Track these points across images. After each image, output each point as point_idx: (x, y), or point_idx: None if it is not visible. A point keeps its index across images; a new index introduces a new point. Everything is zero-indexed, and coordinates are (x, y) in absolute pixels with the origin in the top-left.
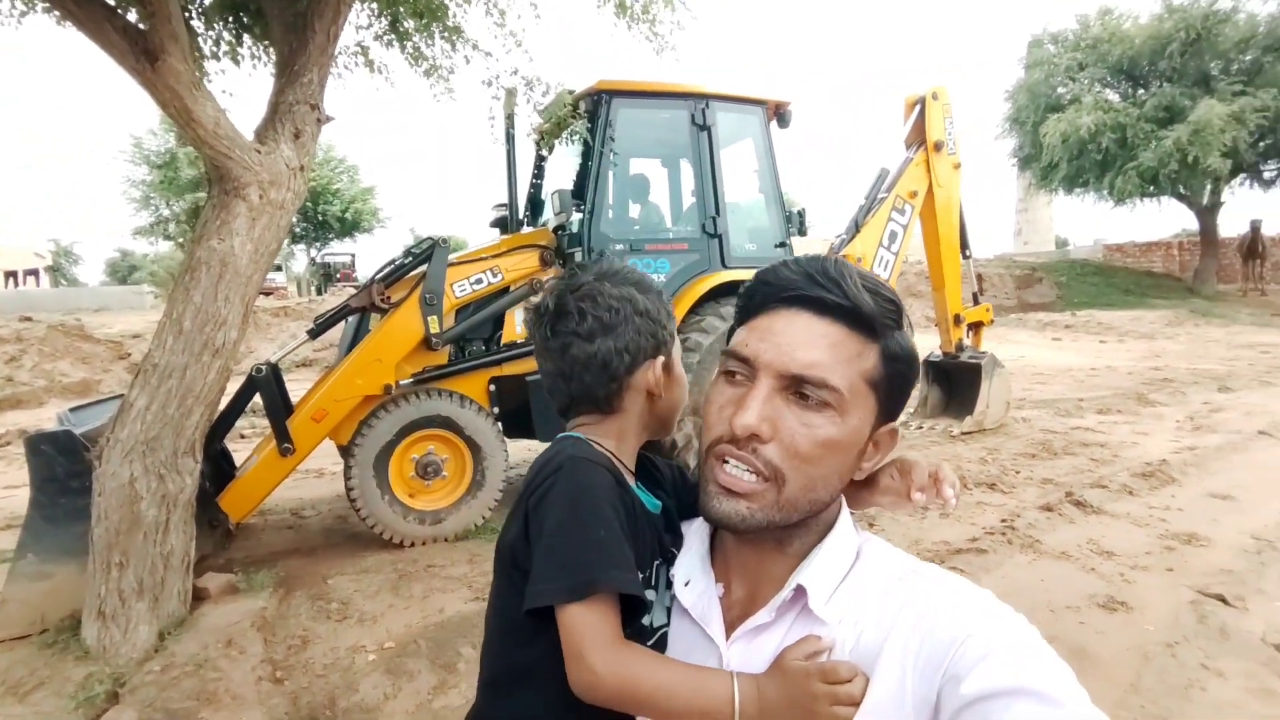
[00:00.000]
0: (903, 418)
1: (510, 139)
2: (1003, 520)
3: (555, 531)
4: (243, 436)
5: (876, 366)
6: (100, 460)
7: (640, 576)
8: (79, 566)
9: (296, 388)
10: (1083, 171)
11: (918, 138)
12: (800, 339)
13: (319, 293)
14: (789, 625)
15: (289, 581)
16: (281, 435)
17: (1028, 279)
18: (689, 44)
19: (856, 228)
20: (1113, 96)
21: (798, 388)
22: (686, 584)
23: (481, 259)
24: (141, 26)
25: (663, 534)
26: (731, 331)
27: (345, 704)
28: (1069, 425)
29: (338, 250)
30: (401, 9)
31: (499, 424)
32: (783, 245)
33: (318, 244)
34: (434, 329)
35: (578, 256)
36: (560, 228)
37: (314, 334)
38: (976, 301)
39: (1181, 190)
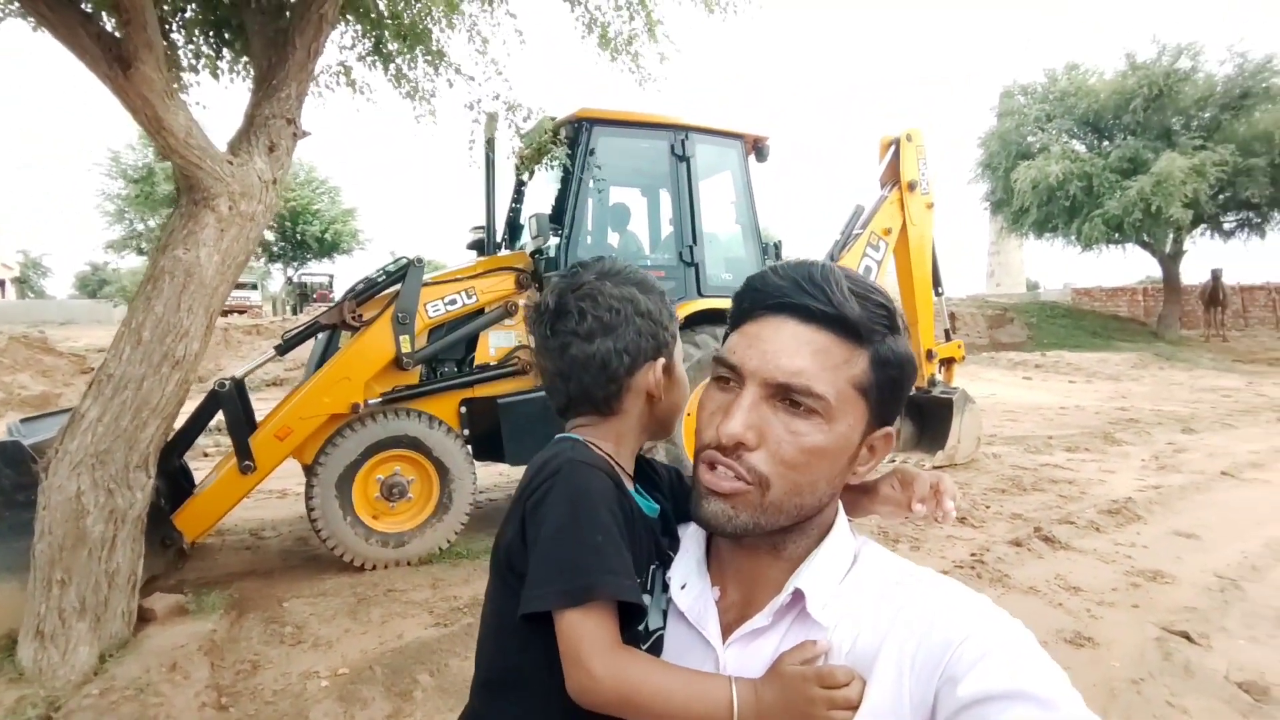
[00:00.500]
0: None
1: (490, 163)
2: (972, 554)
3: (552, 536)
4: (205, 455)
5: (866, 372)
6: (47, 473)
7: (637, 581)
8: (20, 584)
9: (267, 406)
10: (1052, 217)
11: (892, 177)
12: (785, 346)
13: (294, 312)
14: (786, 629)
15: (242, 604)
16: (243, 452)
17: (1000, 319)
18: (670, 62)
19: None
20: (1079, 147)
21: (784, 395)
22: (683, 587)
23: (456, 280)
24: (116, 34)
25: (659, 538)
26: (726, 337)
27: None
28: (1038, 462)
29: (315, 270)
30: (385, 31)
31: (469, 446)
32: None
33: (295, 263)
34: (405, 348)
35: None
36: (537, 251)
37: (282, 350)
38: (949, 338)
39: (1145, 238)
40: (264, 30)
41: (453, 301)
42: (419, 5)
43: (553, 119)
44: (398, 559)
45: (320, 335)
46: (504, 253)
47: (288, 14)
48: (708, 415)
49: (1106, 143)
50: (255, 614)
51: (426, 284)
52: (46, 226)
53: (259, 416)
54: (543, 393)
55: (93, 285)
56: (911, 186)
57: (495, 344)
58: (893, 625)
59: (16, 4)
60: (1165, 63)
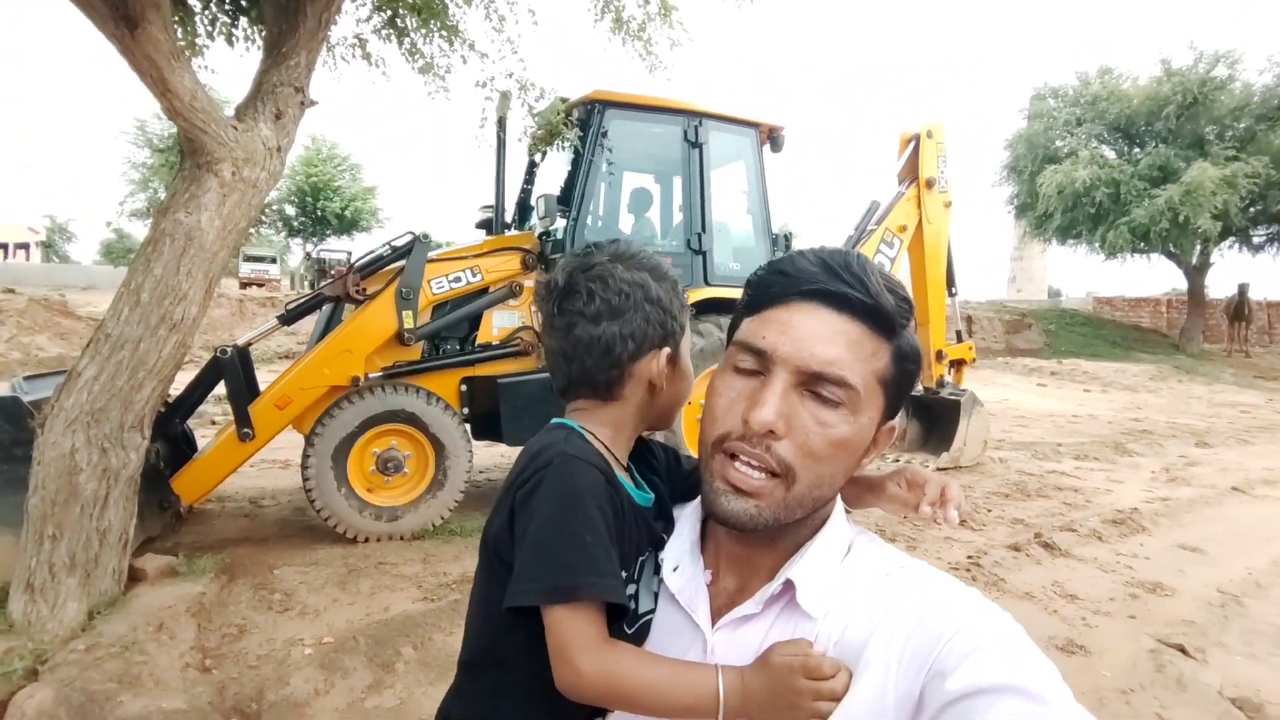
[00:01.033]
0: (883, 454)
1: (501, 142)
2: (969, 557)
3: (541, 531)
4: (213, 423)
5: (888, 365)
6: (42, 428)
7: (625, 575)
8: (14, 537)
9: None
10: (1076, 223)
11: (910, 173)
12: (820, 334)
13: (311, 288)
14: (775, 617)
15: (233, 569)
16: (242, 419)
17: (1017, 324)
18: (679, 47)
19: None
20: (1109, 153)
21: (814, 385)
22: (675, 569)
23: (462, 257)
24: None
25: (652, 525)
26: (734, 325)
27: (273, 697)
28: (1045, 468)
29: (334, 247)
30: (400, 4)
31: (467, 425)
32: None
33: (315, 239)
34: (408, 324)
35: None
36: (545, 233)
37: (285, 320)
38: (960, 340)
39: (1171, 248)
40: None
41: (457, 279)
42: None
43: (565, 100)
44: (390, 533)
45: (324, 307)
46: (512, 233)
47: None
48: (725, 403)
49: (1137, 149)
50: (245, 579)
51: (432, 260)
52: (66, 200)
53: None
54: (544, 375)
55: (118, 252)
56: (929, 184)
57: (499, 324)
58: (882, 618)
59: None
60: (1201, 70)
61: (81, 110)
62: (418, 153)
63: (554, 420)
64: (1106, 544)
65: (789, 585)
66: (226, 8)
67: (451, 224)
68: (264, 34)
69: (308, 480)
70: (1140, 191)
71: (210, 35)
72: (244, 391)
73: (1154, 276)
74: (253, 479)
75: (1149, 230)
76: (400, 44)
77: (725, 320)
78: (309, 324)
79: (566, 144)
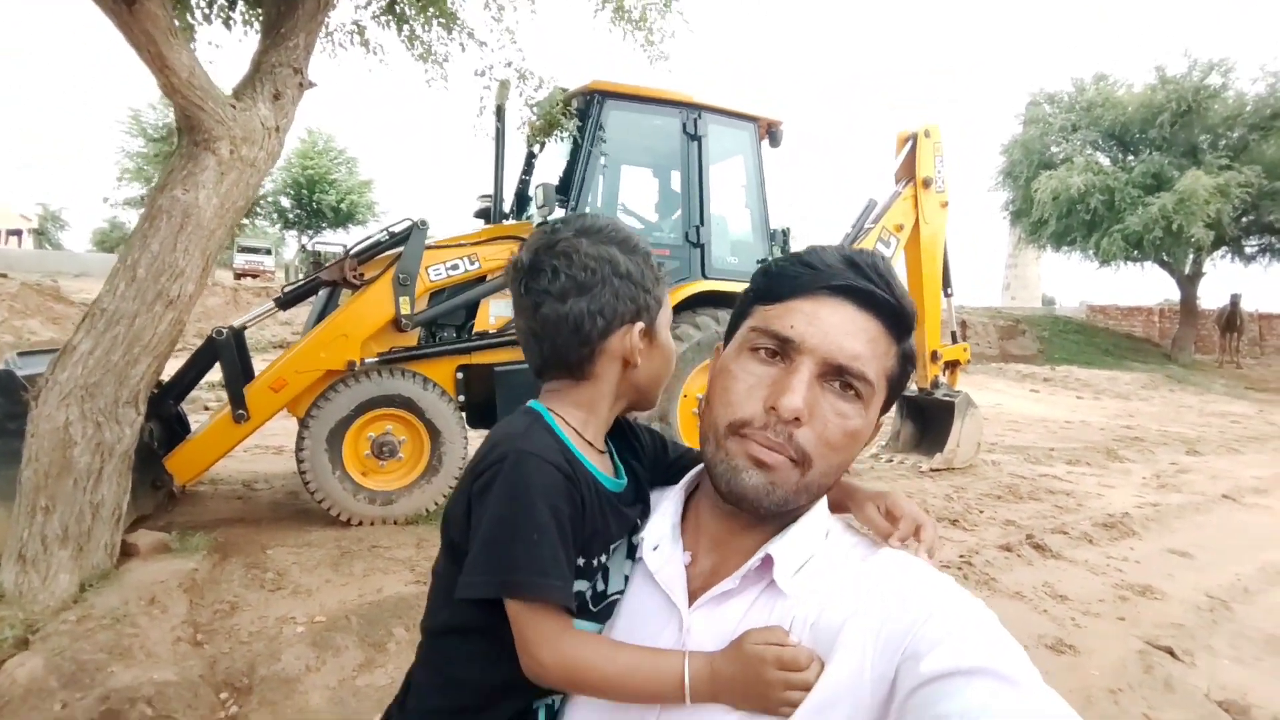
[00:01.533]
0: (874, 449)
1: (500, 131)
2: (961, 556)
3: (491, 527)
4: (206, 409)
5: (895, 365)
6: (36, 402)
7: (592, 563)
8: (7, 510)
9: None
10: (1071, 230)
11: (907, 173)
12: (846, 329)
13: None
14: (754, 596)
15: (226, 548)
16: (237, 401)
17: (1011, 330)
18: (677, 44)
19: None
20: (1103, 159)
21: (836, 376)
22: (655, 549)
23: (460, 245)
24: None
25: (624, 510)
26: (744, 310)
27: (265, 672)
28: (1037, 472)
29: (330, 240)
30: None
31: (463, 411)
32: (764, 262)
33: (310, 232)
34: (405, 310)
35: None
36: (543, 222)
37: (282, 304)
38: (955, 341)
39: (1165, 257)
40: None
41: (455, 266)
42: None
43: (564, 90)
44: (384, 517)
45: (321, 292)
46: (510, 222)
47: None
48: (745, 388)
49: (1131, 157)
50: (238, 558)
51: (430, 247)
52: (67, 181)
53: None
54: None
55: (111, 241)
56: (926, 184)
57: (495, 312)
58: (857, 601)
59: None
60: (1196, 78)
61: (81, 110)
62: (414, 145)
63: (527, 403)
64: (1097, 547)
65: (768, 561)
66: None
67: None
68: (262, 16)
69: (302, 463)
70: (1134, 199)
71: (208, 19)
72: (239, 373)
73: (1147, 285)
74: (246, 463)
75: (1142, 238)
76: (399, 30)
77: (722, 314)
78: (302, 312)
79: (565, 134)
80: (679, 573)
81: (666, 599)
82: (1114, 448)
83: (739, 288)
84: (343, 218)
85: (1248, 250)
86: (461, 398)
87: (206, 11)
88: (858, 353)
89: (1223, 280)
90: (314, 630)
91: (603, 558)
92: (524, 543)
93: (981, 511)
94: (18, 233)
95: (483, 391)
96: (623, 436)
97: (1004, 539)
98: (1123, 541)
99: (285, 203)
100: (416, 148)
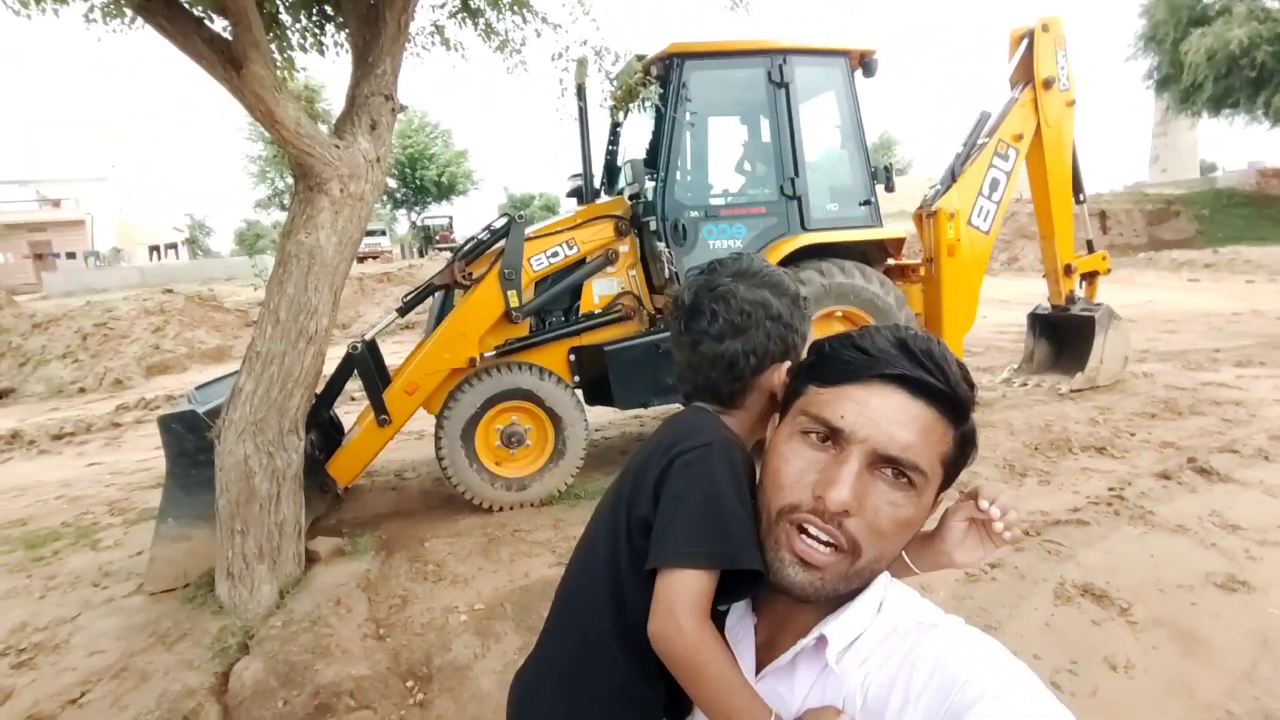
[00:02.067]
0: (1004, 373)
1: (582, 110)
2: (1111, 489)
3: (705, 501)
4: (352, 399)
5: (952, 448)
6: (219, 439)
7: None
8: (211, 530)
9: (403, 347)
10: (1232, 91)
11: (1024, 75)
12: (897, 418)
13: (420, 254)
14: (814, 674)
15: (390, 544)
16: (379, 408)
17: (1162, 214)
18: None
19: (953, 177)
20: (1271, 3)
21: (886, 465)
22: (731, 609)
23: (557, 232)
24: (226, 37)
25: None
26: (797, 387)
27: (440, 662)
28: (1199, 380)
29: (436, 214)
30: None
31: (579, 393)
32: (867, 203)
33: (417, 208)
34: (513, 303)
35: (652, 225)
36: (634, 196)
37: (402, 312)
38: (1091, 249)
39: None
40: (357, 8)
41: (555, 254)
42: None
43: (641, 58)
44: (521, 501)
45: (436, 295)
46: (603, 199)
47: None
48: (795, 472)
49: None
50: (401, 553)
51: (529, 239)
52: (206, 189)
53: (401, 357)
54: (648, 339)
55: (249, 240)
56: (1048, 84)
57: (599, 291)
58: (900, 673)
59: (141, 18)
60: None
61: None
62: (503, 110)
63: (697, 405)
64: (1275, 463)
65: (823, 641)
66: (314, 19)
67: (543, 179)
68: (350, 41)
69: (442, 460)
70: None
71: (304, 48)
72: (377, 381)
73: None
74: (395, 452)
75: None
76: (475, 25)
77: (826, 266)
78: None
79: (648, 103)
80: (748, 636)
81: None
82: None
83: (842, 237)
84: (444, 190)
85: None
86: (576, 378)
87: (302, 41)
88: (909, 443)
89: None
90: (475, 619)
91: None
92: (739, 518)
93: (1133, 434)
94: (174, 246)
95: (595, 370)
96: None
97: (1161, 464)
98: None
99: (391, 183)
100: (503, 111)
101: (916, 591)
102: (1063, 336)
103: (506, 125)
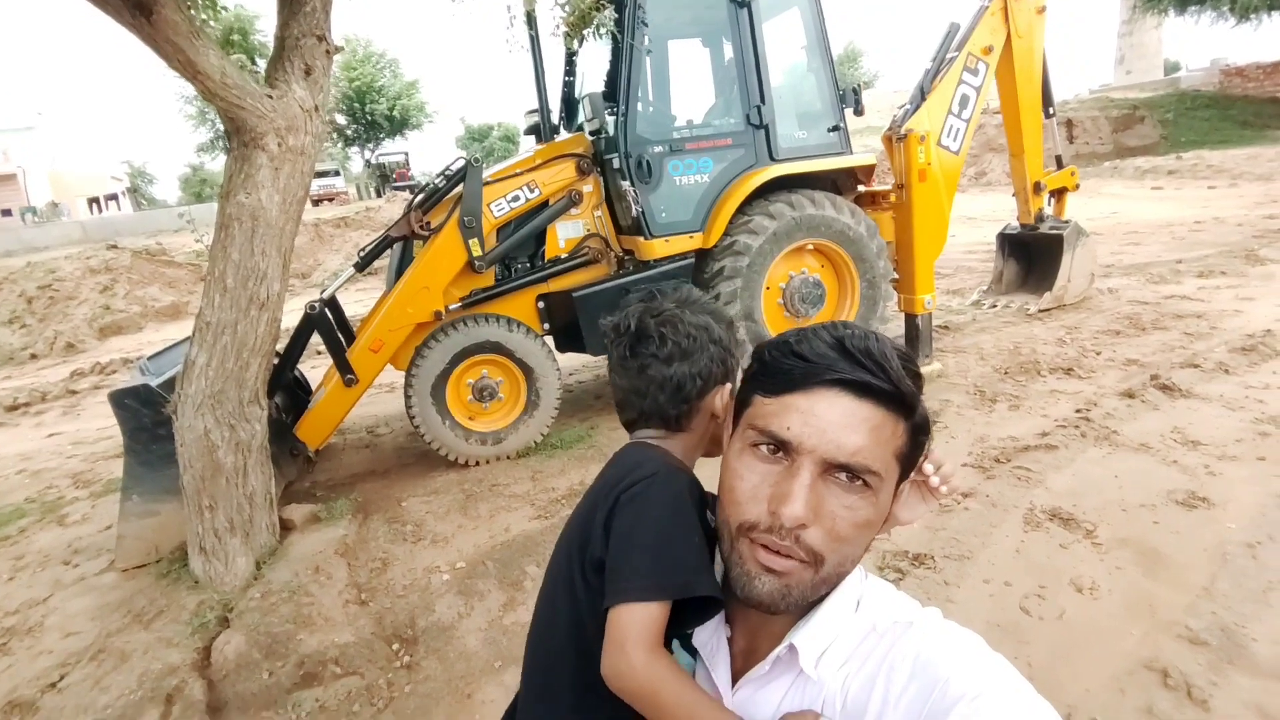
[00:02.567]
0: (974, 295)
1: (534, 39)
2: (1078, 410)
3: (656, 532)
4: (319, 353)
5: (905, 442)
6: (176, 414)
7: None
8: (180, 503)
9: (367, 295)
10: None
11: None
12: (843, 423)
13: (377, 194)
14: (789, 680)
15: (366, 506)
16: (343, 368)
17: (1127, 119)
18: None
19: (922, 95)
20: None
21: (839, 472)
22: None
23: (516, 175)
24: None
25: None
26: (745, 396)
27: (424, 623)
28: (1162, 294)
29: (390, 150)
30: None
31: (550, 341)
32: (836, 129)
33: (370, 145)
34: (476, 252)
35: (615, 163)
36: (596, 132)
37: (359, 266)
38: (1060, 165)
39: None
40: None
41: (515, 198)
42: None
43: None
44: (497, 454)
45: (394, 247)
46: (562, 136)
47: None
48: (749, 488)
49: None
50: (379, 515)
51: (487, 183)
52: (142, 133)
53: (364, 305)
54: (616, 282)
55: (194, 185)
56: None
57: (564, 235)
58: (879, 669)
59: None
60: None
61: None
62: (453, 37)
63: (634, 440)
64: (1234, 376)
65: (793, 649)
66: None
67: (502, 108)
68: None
69: (414, 417)
70: None
71: None
72: (339, 341)
73: None
74: (366, 407)
75: None
76: None
77: (796, 198)
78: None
79: (603, 30)
80: (722, 649)
81: (709, 675)
82: (1254, 248)
83: (812, 167)
84: (397, 125)
85: None
86: (546, 326)
87: None
88: (859, 447)
89: None
90: (458, 577)
91: None
92: (686, 545)
93: (1098, 353)
94: (114, 196)
95: (565, 316)
96: None
97: (1125, 383)
98: (1264, 365)
99: (341, 119)
100: (457, 40)
101: (892, 585)
102: (1031, 255)
103: (458, 53)
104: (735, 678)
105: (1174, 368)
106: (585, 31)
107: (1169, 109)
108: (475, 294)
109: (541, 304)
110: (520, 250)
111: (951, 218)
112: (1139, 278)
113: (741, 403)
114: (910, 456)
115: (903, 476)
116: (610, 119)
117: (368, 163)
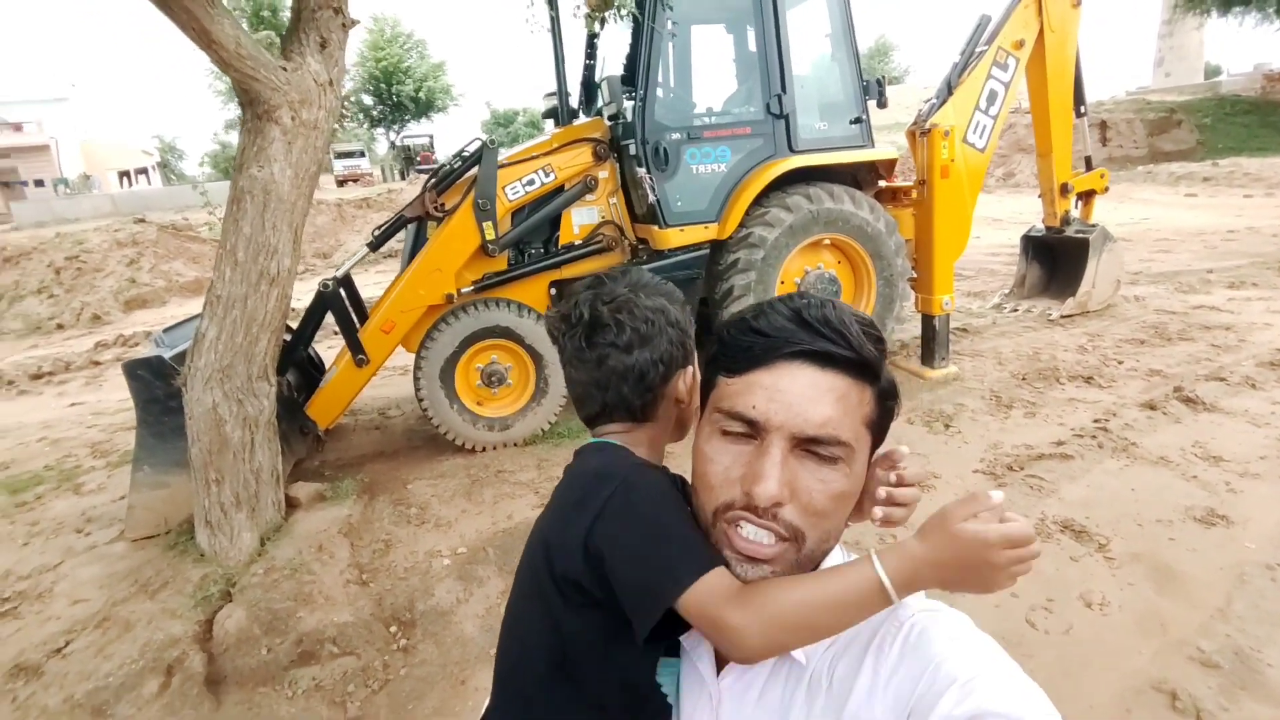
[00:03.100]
0: (995, 299)
1: (554, 20)
2: (1096, 420)
3: (640, 545)
4: (335, 333)
5: (873, 409)
6: (186, 387)
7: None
8: (188, 478)
9: (385, 277)
10: None
11: None
12: (809, 395)
13: (402, 176)
14: (770, 665)
15: (372, 487)
16: (355, 347)
17: (1163, 123)
18: None
19: (949, 90)
20: None
21: (810, 445)
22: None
23: (532, 158)
24: None
25: None
26: (709, 378)
27: (423, 607)
28: (1190, 304)
29: (415, 132)
30: None
31: None
32: (859, 121)
33: (395, 127)
34: (489, 235)
35: (632, 149)
36: (614, 116)
37: (373, 247)
38: (1089, 167)
39: None
40: None
41: (531, 182)
42: None
43: None
44: (504, 441)
45: (409, 228)
46: (580, 120)
47: None
48: (721, 470)
49: None
50: (384, 496)
51: (503, 165)
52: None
53: (381, 287)
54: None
55: (223, 162)
56: None
57: (579, 221)
58: (868, 649)
59: None
60: None
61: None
62: (482, 20)
63: (594, 442)
64: (1261, 391)
65: None
66: None
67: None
68: None
69: (422, 400)
70: None
71: None
72: (352, 321)
73: None
74: (378, 388)
75: None
76: None
77: (814, 191)
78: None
79: (625, 12)
80: (706, 640)
81: (694, 667)
82: None
83: (832, 159)
84: (423, 107)
85: None
86: None
87: None
88: (827, 418)
89: None
90: (458, 563)
91: None
92: (677, 539)
93: (1120, 362)
94: (144, 170)
95: None
96: None
97: (1147, 394)
98: None
99: (367, 100)
100: (485, 23)
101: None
102: (1056, 259)
103: (487, 36)
104: (719, 666)
105: (1199, 380)
106: (607, 14)
107: (1207, 114)
108: (488, 277)
109: (554, 290)
110: (534, 235)
111: (975, 218)
112: (1167, 286)
113: (706, 385)
114: (880, 423)
115: (875, 444)
116: (628, 103)
117: (393, 144)
